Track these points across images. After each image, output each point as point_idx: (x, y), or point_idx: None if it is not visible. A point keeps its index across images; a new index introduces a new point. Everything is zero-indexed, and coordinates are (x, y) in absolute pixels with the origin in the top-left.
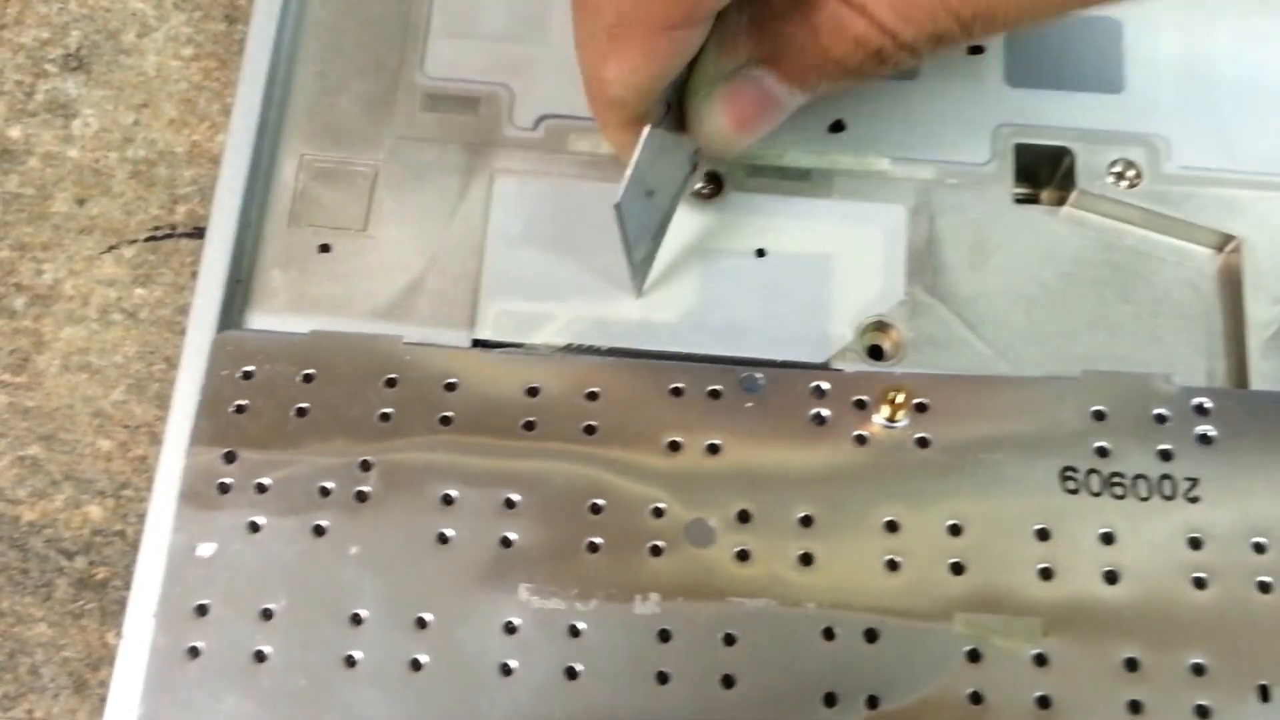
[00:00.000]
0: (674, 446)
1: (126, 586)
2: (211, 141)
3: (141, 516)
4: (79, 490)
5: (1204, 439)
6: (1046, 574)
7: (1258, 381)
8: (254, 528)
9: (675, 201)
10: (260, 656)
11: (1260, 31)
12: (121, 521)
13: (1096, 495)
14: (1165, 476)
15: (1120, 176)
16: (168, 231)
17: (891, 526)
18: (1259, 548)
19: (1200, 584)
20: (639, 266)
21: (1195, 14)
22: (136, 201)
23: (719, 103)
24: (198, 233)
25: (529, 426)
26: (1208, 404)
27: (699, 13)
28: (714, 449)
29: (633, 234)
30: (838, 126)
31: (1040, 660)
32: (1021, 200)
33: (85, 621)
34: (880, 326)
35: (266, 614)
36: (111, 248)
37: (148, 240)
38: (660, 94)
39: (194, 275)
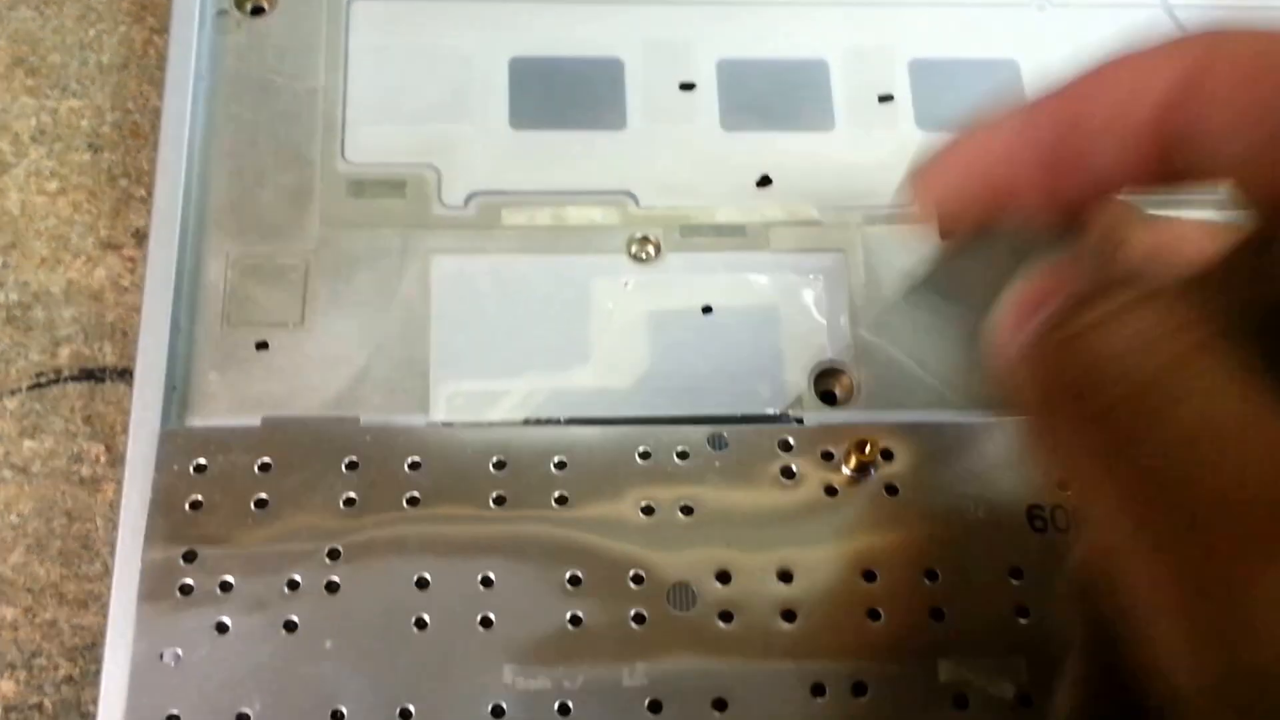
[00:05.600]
0: (648, 511)
1: None
2: (89, 278)
3: (58, 685)
4: None
5: None
6: (1023, 612)
7: None
8: (221, 628)
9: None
10: None
11: None
12: (37, 693)
13: (1063, 531)
14: None
15: None
16: (52, 377)
17: (869, 576)
18: None
19: None
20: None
21: None
22: (15, 349)
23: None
24: (85, 375)
25: (499, 501)
26: None
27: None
28: (687, 510)
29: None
30: (765, 181)
31: (1026, 701)
32: None
33: None
34: (831, 372)
35: (242, 719)
36: None
37: (32, 389)
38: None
39: (86, 421)
